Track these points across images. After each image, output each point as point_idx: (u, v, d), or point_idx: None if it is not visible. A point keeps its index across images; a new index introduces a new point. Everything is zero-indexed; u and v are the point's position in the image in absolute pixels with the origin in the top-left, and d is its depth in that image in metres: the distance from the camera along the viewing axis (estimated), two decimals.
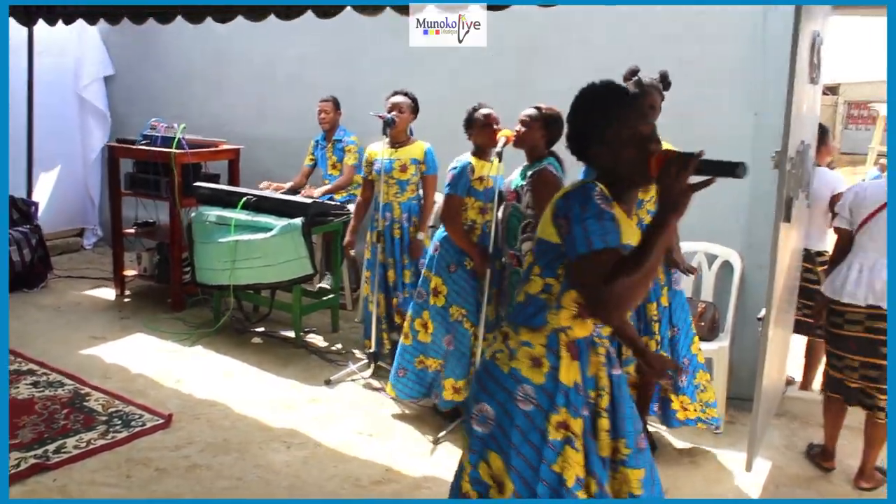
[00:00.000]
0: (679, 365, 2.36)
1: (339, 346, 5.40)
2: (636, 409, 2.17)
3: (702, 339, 4.26)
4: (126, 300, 6.31)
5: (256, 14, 4.60)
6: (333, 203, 5.69)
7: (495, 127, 4.05)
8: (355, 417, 4.29)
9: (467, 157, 4.10)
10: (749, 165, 1.91)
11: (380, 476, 3.67)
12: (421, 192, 4.80)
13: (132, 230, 6.34)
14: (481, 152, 4.10)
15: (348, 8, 4.44)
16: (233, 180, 6.23)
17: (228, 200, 5.37)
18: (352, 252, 5.04)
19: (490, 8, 3.98)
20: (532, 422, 1.99)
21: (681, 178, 1.83)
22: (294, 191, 6.01)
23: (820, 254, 4.42)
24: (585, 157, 2.08)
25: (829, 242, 4.30)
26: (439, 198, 4.61)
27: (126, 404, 4.27)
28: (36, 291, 6.38)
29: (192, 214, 5.51)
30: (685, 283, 4.58)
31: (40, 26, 6.27)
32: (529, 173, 3.77)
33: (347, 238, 4.99)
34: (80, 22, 5.72)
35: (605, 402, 2.05)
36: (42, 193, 7.31)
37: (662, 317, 3.75)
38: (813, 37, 3.46)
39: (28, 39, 6.59)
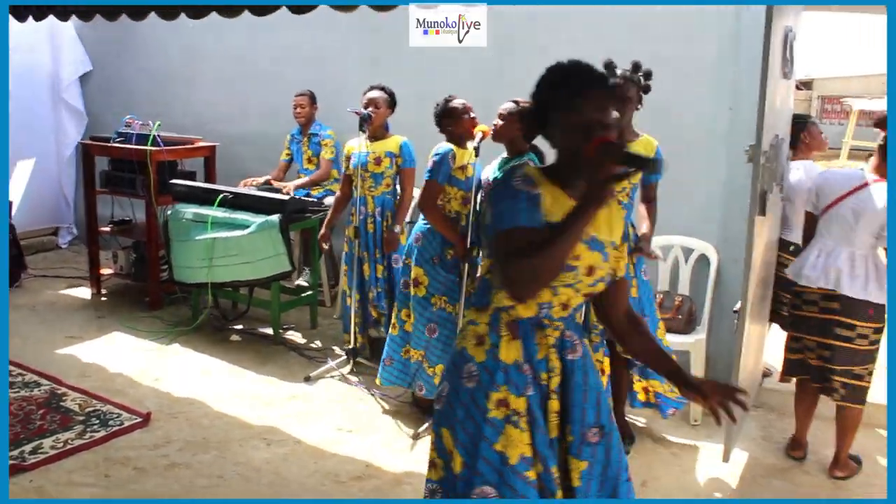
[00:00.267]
0: (729, 390, 2.29)
1: (317, 342, 5.39)
2: (602, 400, 2.14)
3: (679, 332, 4.31)
4: (102, 299, 6.25)
5: (230, 10, 4.57)
6: (311, 199, 5.68)
7: (472, 115, 4.07)
8: (335, 414, 4.29)
9: (448, 144, 4.10)
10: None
11: (360, 472, 3.67)
12: (398, 186, 4.80)
13: (108, 228, 6.28)
14: (458, 142, 4.10)
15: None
16: (209, 177, 6.19)
17: (205, 198, 5.34)
18: (325, 245, 5.03)
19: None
20: (474, 399, 2.02)
21: (607, 167, 1.84)
22: (269, 185, 5.99)
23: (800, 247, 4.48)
24: (544, 133, 2.09)
25: None
26: (418, 192, 4.61)
27: (104, 403, 4.24)
28: (10, 291, 6.31)
29: (169, 212, 5.47)
30: (662, 277, 4.64)
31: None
32: (507, 167, 3.78)
33: (322, 231, 4.99)
34: (52, 18, 5.64)
35: (554, 383, 2.05)
36: (16, 192, 7.22)
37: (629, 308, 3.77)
38: (785, 32, 3.50)
39: None
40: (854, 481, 3.72)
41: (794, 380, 3.92)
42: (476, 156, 3.99)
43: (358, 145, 4.65)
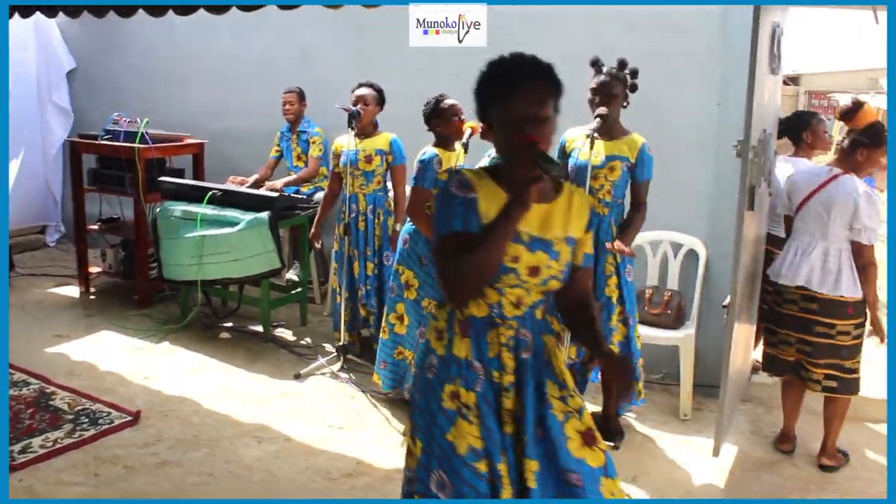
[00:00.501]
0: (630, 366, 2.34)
1: (308, 339, 5.38)
2: (551, 402, 2.10)
3: (668, 327, 4.33)
4: (91, 297, 6.22)
5: (218, 7, 4.55)
6: (300, 196, 5.67)
7: (461, 117, 4.07)
8: (325, 411, 4.28)
9: (432, 149, 4.10)
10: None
11: (351, 469, 3.67)
12: (389, 183, 4.80)
13: (96, 226, 6.24)
14: (446, 142, 4.11)
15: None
16: (197, 175, 6.17)
17: (194, 195, 5.32)
18: (317, 244, 5.03)
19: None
20: (432, 388, 2.10)
21: (527, 167, 1.88)
22: (259, 183, 5.98)
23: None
24: (484, 120, 2.10)
25: None
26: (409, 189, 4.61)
27: (93, 402, 4.22)
28: None
29: (157, 210, 5.45)
30: (651, 272, 4.66)
31: None
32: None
33: (313, 230, 5.00)
34: (38, 14, 5.60)
35: (507, 381, 2.08)
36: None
37: (606, 307, 3.79)
38: (773, 28, 3.52)
39: None
40: (842, 475, 3.74)
41: None
42: (465, 152, 3.98)
43: (347, 142, 4.64)
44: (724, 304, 3.82)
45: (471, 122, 3.96)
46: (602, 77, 3.67)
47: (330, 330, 5.28)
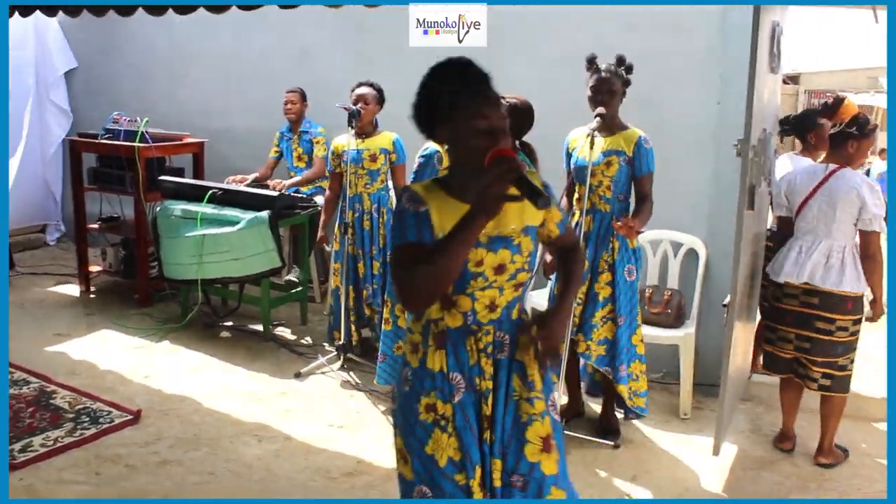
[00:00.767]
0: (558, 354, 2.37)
1: (308, 339, 5.39)
2: (517, 403, 2.13)
3: (668, 326, 4.33)
4: (91, 296, 6.23)
5: (218, 7, 4.55)
6: (300, 196, 5.67)
7: None
8: (326, 410, 4.29)
9: (434, 145, 4.10)
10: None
11: (351, 468, 3.67)
12: (390, 182, 4.80)
13: (96, 225, 6.24)
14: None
15: None
16: (197, 174, 6.17)
17: (194, 194, 5.32)
18: (327, 247, 5.00)
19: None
20: (409, 402, 2.11)
21: (501, 182, 1.83)
22: (258, 183, 5.98)
23: None
24: (431, 133, 2.09)
25: None
26: None
27: (94, 401, 4.23)
28: None
29: (158, 209, 5.45)
30: (651, 272, 4.66)
31: None
32: None
33: (319, 234, 4.97)
34: (38, 14, 5.60)
35: (485, 386, 2.09)
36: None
37: (592, 302, 3.78)
38: (773, 27, 3.52)
39: None
40: (842, 473, 3.75)
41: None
42: None
43: (347, 142, 4.64)
44: (724, 303, 3.83)
45: None
46: (602, 74, 3.67)
47: (330, 329, 5.27)
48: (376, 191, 4.74)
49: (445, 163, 4.03)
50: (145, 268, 5.88)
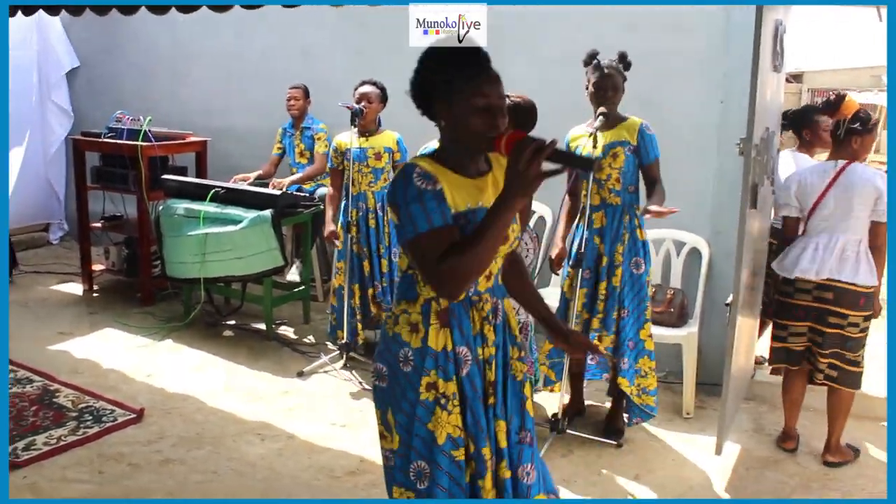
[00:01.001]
0: (592, 346, 2.42)
1: (310, 337, 5.39)
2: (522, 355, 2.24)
3: (671, 325, 4.33)
4: (94, 295, 6.23)
5: (221, 5, 4.55)
6: (303, 194, 5.67)
7: None
8: (328, 409, 4.29)
9: (436, 143, 4.08)
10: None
11: (354, 466, 3.68)
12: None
13: (99, 224, 6.25)
14: None
15: None
16: (200, 173, 6.17)
17: (197, 193, 5.33)
18: (338, 243, 4.88)
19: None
20: (410, 382, 2.09)
21: (534, 163, 1.84)
22: (262, 180, 5.98)
23: None
24: (429, 112, 2.08)
25: None
26: None
27: (97, 400, 4.23)
28: None
29: (161, 208, 5.45)
30: (655, 271, 4.65)
31: None
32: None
33: (329, 228, 4.87)
34: (41, 13, 5.61)
35: (488, 353, 2.13)
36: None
37: (610, 296, 3.80)
38: (776, 25, 3.51)
39: None
40: (846, 473, 3.74)
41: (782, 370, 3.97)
42: None
43: (349, 140, 4.64)
44: (726, 302, 3.82)
45: None
46: (605, 71, 3.67)
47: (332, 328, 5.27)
48: (380, 189, 4.75)
49: None
50: (148, 267, 5.89)
